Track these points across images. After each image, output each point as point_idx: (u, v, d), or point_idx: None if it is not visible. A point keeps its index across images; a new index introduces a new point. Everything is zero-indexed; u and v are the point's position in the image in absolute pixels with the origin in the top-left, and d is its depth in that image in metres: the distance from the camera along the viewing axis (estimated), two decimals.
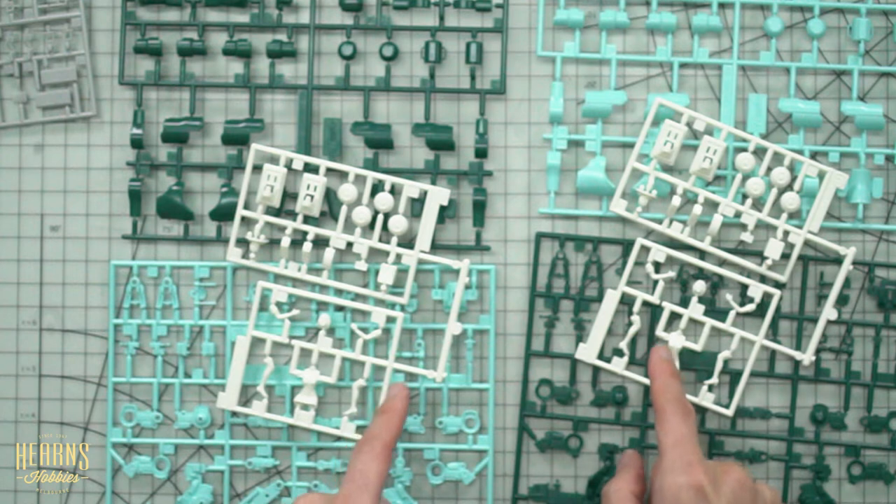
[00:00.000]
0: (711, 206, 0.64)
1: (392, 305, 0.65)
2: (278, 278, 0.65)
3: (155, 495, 0.66)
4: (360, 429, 0.65)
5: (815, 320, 0.65)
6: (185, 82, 0.66)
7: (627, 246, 0.65)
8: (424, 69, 0.66)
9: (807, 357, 0.64)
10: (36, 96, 0.66)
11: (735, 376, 0.65)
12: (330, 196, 0.65)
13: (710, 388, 0.64)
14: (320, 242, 0.65)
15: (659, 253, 0.64)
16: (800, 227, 0.64)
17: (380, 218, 0.64)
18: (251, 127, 0.65)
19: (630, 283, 0.65)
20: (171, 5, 0.66)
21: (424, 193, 0.64)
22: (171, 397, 0.66)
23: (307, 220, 0.65)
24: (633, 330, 0.64)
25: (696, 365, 0.65)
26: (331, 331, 0.65)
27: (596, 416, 0.65)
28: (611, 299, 0.64)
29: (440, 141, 0.65)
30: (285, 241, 0.64)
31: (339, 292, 0.65)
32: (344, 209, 0.64)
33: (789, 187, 0.64)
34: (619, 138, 0.66)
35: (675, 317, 0.64)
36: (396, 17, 0.66)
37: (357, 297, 0.65)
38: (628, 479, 0.60)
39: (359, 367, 0.65)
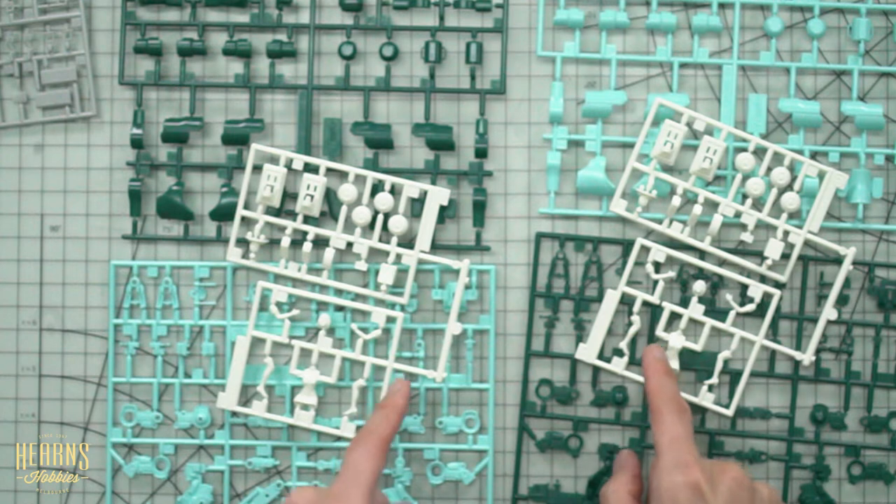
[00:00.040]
0: (711, 206, 0.64)
1: (392, 305, 0.65)
2: (278, 278, 0.65)
3: (155, 495, 0.66)
4: (360, 429, 0.65)
5: (815, 320, 0.65)
6: (185, 82, 0.66)
7: (627, 246, 0.65)
8: (424, 69, 0.66)
9: (807, 357, 0.64)
10: (36, 96, 0.66)
11: (735, 376, 0.65)
12: (330, 196, 0.65)
13: (710, 388, 0.64)
14: (320, 242, 0.65)
15: (659, 253, 0.64)
16: (800, 227, 0.64)
17: (380, 218, 0.64)
18: (251, 127, 0.65)
19: (630, 283, 0.65)
20: (171, 5, 0.66)
21: (424, 193, 0.64)
22: (171, 397, 0.66)
23: (307, 220, 0.65)
24: (633, 330, 0.64)
25: (696, 365, 0.65)
26: (331, 331, 0.65)
27: (596, 416, 0.66)
28: (611, 299, 0.64)
29: (440, 141, 0.65)
30: (285, 241, 0.64)
31: (339, 292, 0.65)
32: (344, 209, 0.64)
33: (789, 187, 0.64)
34: (619, 138, 0.66)
35: (675, 317, 0.64)
36: (396, 17, 0.66)
37: (357, 297, 0.65)
38: (626, 480, 0.60)
39: (359, 367, 0.65)
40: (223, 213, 0.65)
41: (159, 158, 0.66)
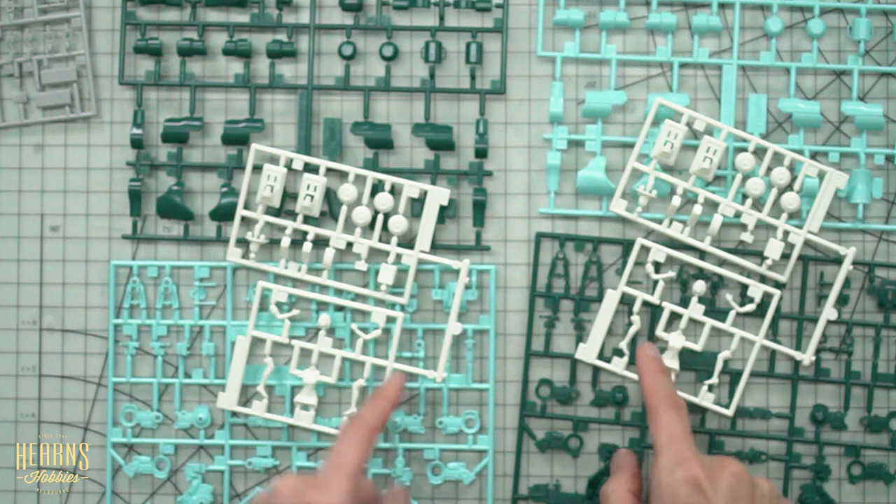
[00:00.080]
0: (711, 206, 0.64)
1: (392, 305, 0.65)
2: (278, 278, 0.65)
3: (155, 495, 0.66)
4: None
5: (815, 320, 0.65)
6: (185, 82, 0.66)
7: (627, 246, 0.65)
8: (424, 69, 0.66)
9: (807, 357, 0.64)
10: (36, 96, 0.66)
11: (735, 376, 0.65)
12: (330, 196, 0.65)
13: (710, 388, 0.64)
14: (320, 242, 0.65)
15: (659, 253, 0.64)
16: (800, 227, 0.64)
17: (380, 218, 0.64)
18: (251, 127, 0.65)
19: (630, 283, 0.65)
20: (171, 5, 0.66)
21: (424, 193, 0.64)
22: (171, 397, 0.66)
23: (307, 220, 0.65)
24: (633, 330, 0.64)
25: (696, 365, 0.65)
26: (331, 331, 0.65)
27: (596, 416, 0.66)
28: (611, 299, 0.64)
29: (440, 141, 0.65)
30: (285, 241, 0.64)
31: (339, 292, 0.65)
32: (344, 209, 0.64)
33: (789, 187, 0.64)
34: (619, 138, 0.66)
35: (675, 317, 0.64)
36: (396, 17, 0.66)
37: (357, 297, 0.65)
38: (625, 479, 0.60)
39: (359, 367, 0.65)
40: (223, 213, 0.65)
41: (159, 158, 0.66)
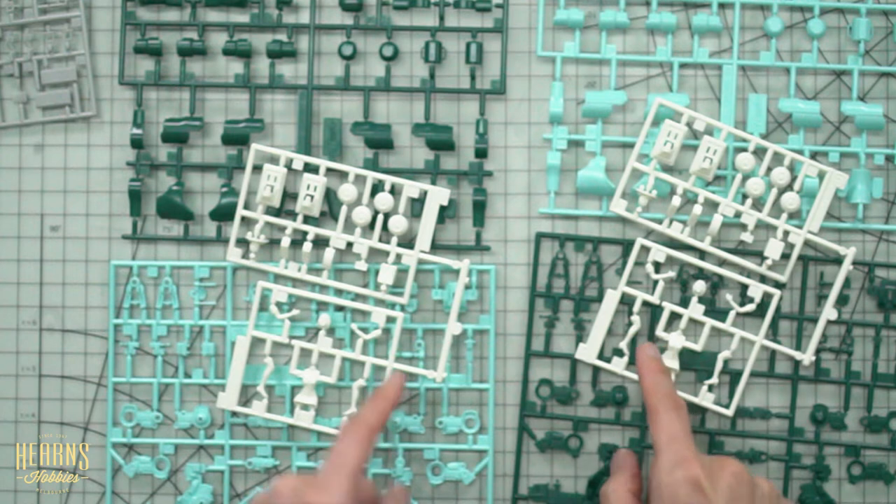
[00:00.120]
0: (711, 206, 0.64)
1: (392, 305, 0.65)
2: (278, 278, 0.65)
3: (155, 495, 0.66)
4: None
5: (815, 320, 0.65)
6: (185, 82, 0.66)
7: (627, 246, 0.65)
8: (424, 69, 0.66)
9: (807, 357, 0.64)
10: (36, 96, 0.66)
11: (735, 376, 0.65)
12: (330, 196, 0.65)
13: (710, 388, 0.64)
14: (320, 242, 0.65)
15: (659, 253, 0.64)
16: (800, 227, 0.64)
17: (380, 218, 0.64)
18: (251, 127, 0.65)
19: (630, 283, 0.65)
20: (171, 5, 0.66)
21: (424, 193, 0.64)
22: (171, 397, 0.66)
23: (307, 220, 0.65)
24: (633, 330, 0.64)
25: (696, 365, 0.65)
26: (331, 331, 0.65)
27: (596, 416, 0.66)
28: (611, 299, 0.64)
29: (440, 141, 0.65)
30: (285, 241, 0.64)
31: (339, 292, 0.65)
32: (344, 209, 0.64)
33: (789, 187, 0.64)
34: (619, 138, 0.66)
35: (675, 317, 0.64)
36: (396, 17, 0.66)
37: (357, 297, 0.65)
38: (625, 479, 0.60)
39: (359, 367, 0.65)
40: (223, 213, 0.65)
41: (159, 158, 0.66)
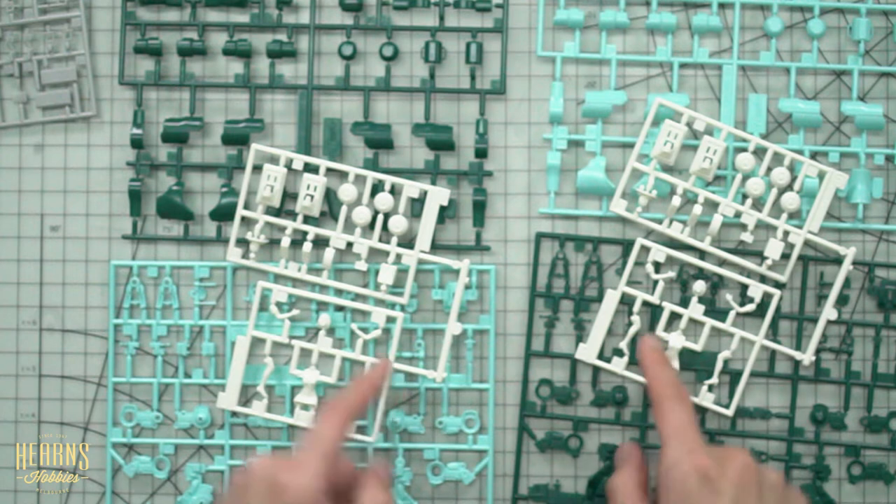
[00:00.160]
0: (711, 206, 0.64)
1: (392, 305, 0.65)
2: (278, 278, 0.65)
3: (155, 495, 0.66)
4: (360, 429, 0.65)
5: (815, 320, 0.65)
6: (185, 82, 0.66)
7: (627, 246, 0.65)
8: (424, 69, 0.66)
9: (807, 357, 0.64)
10: (36, 96, 0.66)
11: (735, 376, 0.65)
12: (330, 196, 0.65)
13: (710, 388, 0.64)
14: (320, 242, 0.65)
15: (659, 253, 0.64)
16: (800, 227, 0.64)
17: (380, 218, 0.64)
18: (251, 127, 0.65)
19: (630, 283, 0.65)
20: (171, 5, 0.66)
21: (424, 193, 0.64)
22: (171, 397, 0.66)
23: (307, 220, 0.65)
24: (633, 330, 0.64)
25: (696, 365, 0.65)
26: (331, 331, 0.65)
27: (596, 416, 0.66)
28: (611, 299, 0.64)
29: (440, 141, 0.65)
30: (285, 241, 0.64)
31: (339, 292, 0.65)
32: (344, 209, 0.64)
33: (789, 187, 0.64)
34: (619, 138, 0.66)
35: (675, 317, 0.64)
36: (396, 17, 0.66)
37: (357, 297, 0.65)
38: (631, 472, 0.60)
39: (359, 367, 0.65)
40: (223, 213, 0.65)
41: (159, 158, 0.66)
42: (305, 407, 0.64)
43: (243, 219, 0.65)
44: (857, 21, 0.65)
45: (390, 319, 0.64)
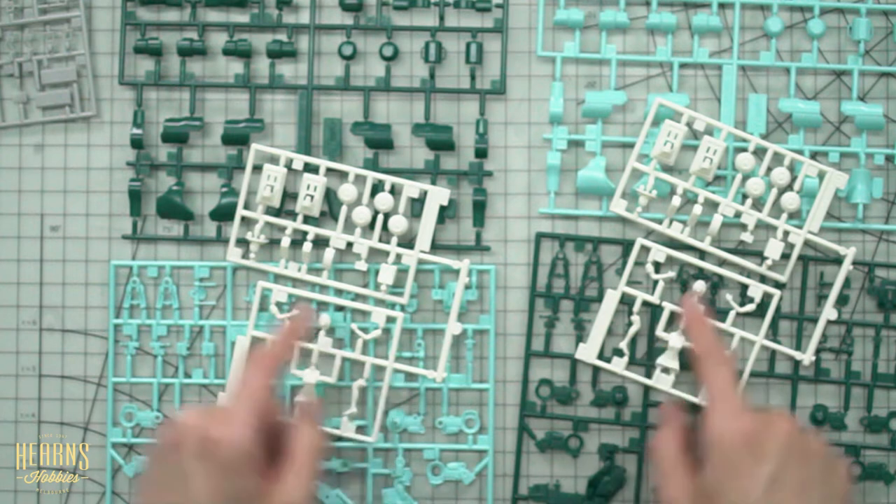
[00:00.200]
0: (711, 206, 0.64)
1: (392, 305, 0.65)
2: (278, 278, 0.65)
3: None
4: (360, 429, 0.65)
5: (815, 320, 0.65)
6: (185, 82, 0.66)
7: (627, 246, 0.65)
8: (424, 69, 0.66)
9: (807, 357, 0.64)
10: (36, 96, 0.66)
11: None
12: (330, 196, 0.65)
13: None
14: (320, 242, 0.65)
15: (659, 253, 0.64)
16: (800, 227, 0.64)
17: (380, 218, 0.64)
18: (251, 127, 0.65)
19: (630, 283, 0.65)
20: (171, 5, 0.66)
21: (424, 193, 0.64)
22: (171, 397, 0.66)
23: (307, 220, 0.65)
24: (633, 330, 0.64)
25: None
26: (331, 331, 0.65)
27: (596, 416, 0.65)
28: (611, 299, 0.64)
29: (440, 141, 0.65)
30: (285, 241, 0.64)
31: (339, 292, 0.65)
32: (344, 209, 0.64)
33: (789, 187, 0.64)
34: (619, 138, 0.66)
35: (675, 317, 0.64)
36: (396, 17, 0.66)
37: (357, 297, 0.65)
38: (672, 432, 0.58)
39: (359, 367, 0.65)
40: (223, 213, 0.65)
41: (159, 158, 0.66)
42: None
43: (243, 219, 0.65)
44: (857, 21, 0.65)
45: (390, 319, 0.64)
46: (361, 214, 0.64)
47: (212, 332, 0.66)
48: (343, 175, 0.65)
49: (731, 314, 0.64)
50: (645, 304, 0.64)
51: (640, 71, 0.66)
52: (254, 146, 0.64)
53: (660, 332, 0.64)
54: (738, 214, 0.64)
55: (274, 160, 0.64)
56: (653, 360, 0.65)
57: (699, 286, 0.64)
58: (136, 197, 0.66)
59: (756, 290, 0.64)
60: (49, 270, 0.67)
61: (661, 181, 0.64)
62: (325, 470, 0.64)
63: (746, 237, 0.64)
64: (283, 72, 0.66)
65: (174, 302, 0.66)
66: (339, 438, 0.65)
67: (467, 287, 0.65)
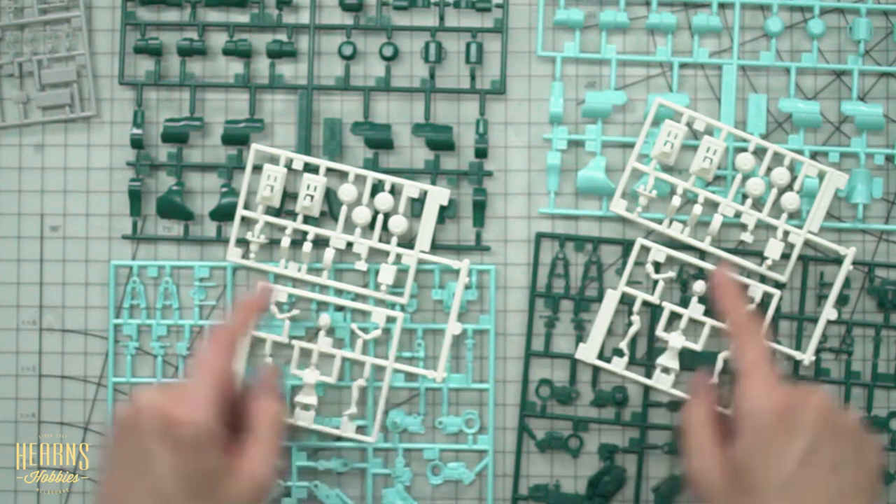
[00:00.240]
0: (711, 206, 0.64)
1: (392, 305, 0.65)
2: (278, 278, 0.65)
3: None
4: (360, 429, 0.65)
5: (815, 320, 0.65)
6: (185, 82, 0.66)
7: (627, 246, 0.65)
8: (424, 69, 0.66)
9: (807, 357, 0.64)
10: (36, 96, 0.66)
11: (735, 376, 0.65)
12: (330, 196, 0.65)
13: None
14: (320, 242, 0.65)
15: (659, 253, 0.64)
16: (800, 227, 0.64)
17: (380, 218, 0.64)
18: (251, 127, 0.65)
19: (630, 283, 0.65)
20: (171, 5, 0.66)
21: (424, 193, 0.64)
22: None
23: (307, 220, 0.65)
24: (633, 330, 0.64)
25: (696, 365, 0.65)
26: (331, 331, 0.65)
27: (596, 416, 0.65)
28: (611, 299, 0.64)
29: (440, 141, 0.65)
30: (285, 241, 0.64)
31: (339, 292, 0.65)
32: (344, 209, 0.64)
33: (789, 187, 0.64)
34: (619, 138, 0.66)
35: (675, 317, 0.64)
36: (396, 17, 0.66)
37: (357, 297, 0.65)
38: (704, 402, 0.58)
39: (359, 367, 0.65)
40: (223, 213, 0.65)
41: (159, 158, 0.66)
42: (305, 407, 0.64)
43: (243, 219, 0.65)
44: (857, 21, 0.65)
45: (390, 319, 0.64)
46: (361, 214, 0.64)
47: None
48: (343, 175, 0.65)
49: None
50: (645, 304, 0.64)
51: (640, 71, 0.66)
52: (254, 146, 0.64)
53: (660, 332, 0.64)
54: (738, 214, 0.64)
55: (274, 160, 0.64)
56: (653, 360, 0.65)
57: (699, 286, 0.64)
58: (136, 197, 0.66)
59: (756, 290, 0.64)
60: (49, 270, 0.67)
61: (661, 181, 0.64)
62: (286, 440, 0.63)
63: (746, 237, 0.64)
64: (283, 72, 0.66)
65: (174, 302, 0.66)
66: (339, 438, 0.65)
67: (467, 287, 0.65)
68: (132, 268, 0.66)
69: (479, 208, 0.65)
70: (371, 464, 0.65)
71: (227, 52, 0.66)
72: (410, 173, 0.65)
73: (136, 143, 0.66)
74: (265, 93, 0.66)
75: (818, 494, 0.52)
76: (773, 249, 0.64)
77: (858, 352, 0.65)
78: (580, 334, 0.65)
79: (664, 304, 0.64)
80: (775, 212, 0.64)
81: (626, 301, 0.65)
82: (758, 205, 0.64)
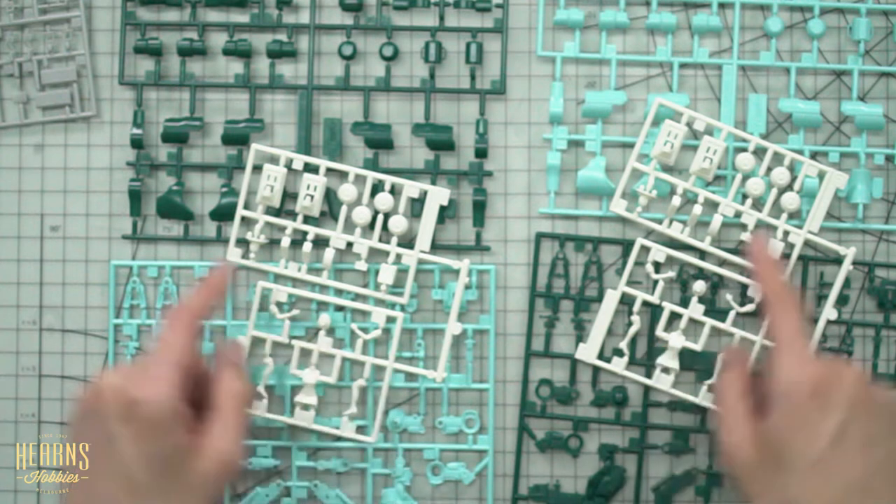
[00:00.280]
0: (711, 206, 0.64)
1: (392, 305, 0.65)
2: (278, 278, 0.65)
3: None
4: (360, 429, 0.65)
5: (815, 320, 0.65)
6: (185, 82, 0.66)
7: (627, 246, 0.65)
8: (424, 69, 0.66)
9: None
10: (36, 96, 0.66)
11: None
12: (330, 196, 0.65)
13: (710, 388, 0.64)
14: (320, 242, 0.65)
15: (659, 253, 0.64)
16: (800, 227, 0.64)
17: (380, 218, 0.64)
18: (251, 127, 0.65)
19: (630, 283, 0.65)
20: (171, 5, 0.66)
21: (424, 193, 0.64)
22: None
23: (307, 220, 0.65)
24: (633, 330, 0.64)
25: (696, 365, 0.65)
26: (331, 331, 0.65)
27: (596, 416, 0.65)
28: (611, 299, 0.64)
29: (440, 141, 0.65)
30: (285, 241, 0.64)
31: (339, 292, 0.65)
32: (344, 209, 0.64)
33: (789, 187, 0.64)
34: (619, 138, 0.66)
35: (675, 317, 0.64)
36: (396, 17, 0.66)
37: (357, 297, 0.65)
38: (737, 376, 0.58)
39: (359, 367, 0.65)
40: (223, 213, 0.65)
41: (159, 158, 0.66)
42: (305, 407, 0.64)
43: (243, 219, 0.65)
44: (857, 21, 0.65)
45: (390, 319, 0.64)
46: (361, 214, 0.64)
47: (212, 332, 0.66)
48: (343, 175, 0.65)
49: (731, 314, 0.64)
50: (645, 304, 0.65)
51: (640, 71, 0.66)
52: (254, 146, 0.64)
53: (660, 332, 0.64)
54: (738, 214, 0.64)
55: (274, 160, 0.64)
56: (653, 360, 0.65)
57: (699, 286, 0.64)
58: (136, 197, 0.66)
59: (756, 290, 0.64)
60: (49, 270, 0.67)
61: (661, 181, 0.64)
62: (251, 417, 0.63)
63: (746, 237, 0.64)
64: (283, 72, 0.66)
65: (174, 302, 0.66)
66: (339, 438, 0.65)
67: (467, 287, 0.65)
68: (132, 268, 0.66)
69: (479, 208, 0.65)
70: (371, 464, 0.65)
71: (227, 52, 0.66)
72: (410, 173, 0.65)
73: (136, 143, 0.66)
74: (265, 93, 0.66)
75: (850, 470, 0.51)
76: (773, 249, 0.63)
77: (858, 352, 0.65)
78: (580, 334, 0.65)
79: (664, 304, 0.64)
80: (775, 212, 0.64)
81: (626, 301, 0.65)
82: (758, 205, 0.64)
